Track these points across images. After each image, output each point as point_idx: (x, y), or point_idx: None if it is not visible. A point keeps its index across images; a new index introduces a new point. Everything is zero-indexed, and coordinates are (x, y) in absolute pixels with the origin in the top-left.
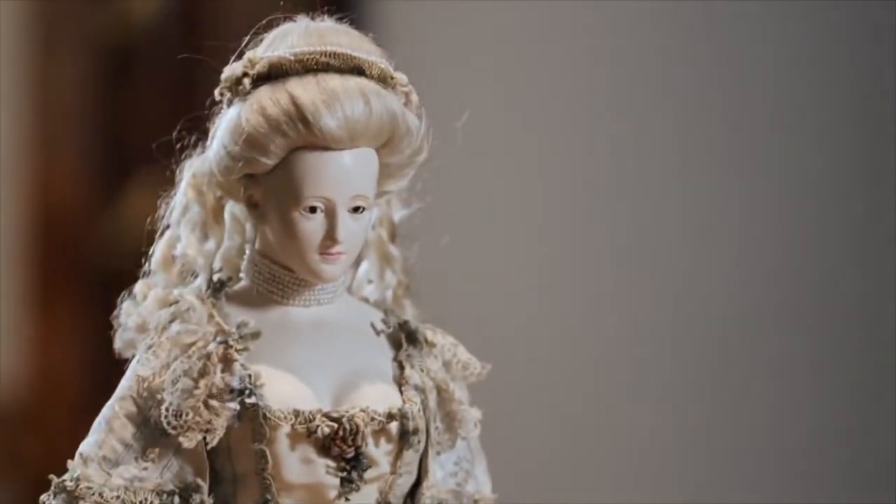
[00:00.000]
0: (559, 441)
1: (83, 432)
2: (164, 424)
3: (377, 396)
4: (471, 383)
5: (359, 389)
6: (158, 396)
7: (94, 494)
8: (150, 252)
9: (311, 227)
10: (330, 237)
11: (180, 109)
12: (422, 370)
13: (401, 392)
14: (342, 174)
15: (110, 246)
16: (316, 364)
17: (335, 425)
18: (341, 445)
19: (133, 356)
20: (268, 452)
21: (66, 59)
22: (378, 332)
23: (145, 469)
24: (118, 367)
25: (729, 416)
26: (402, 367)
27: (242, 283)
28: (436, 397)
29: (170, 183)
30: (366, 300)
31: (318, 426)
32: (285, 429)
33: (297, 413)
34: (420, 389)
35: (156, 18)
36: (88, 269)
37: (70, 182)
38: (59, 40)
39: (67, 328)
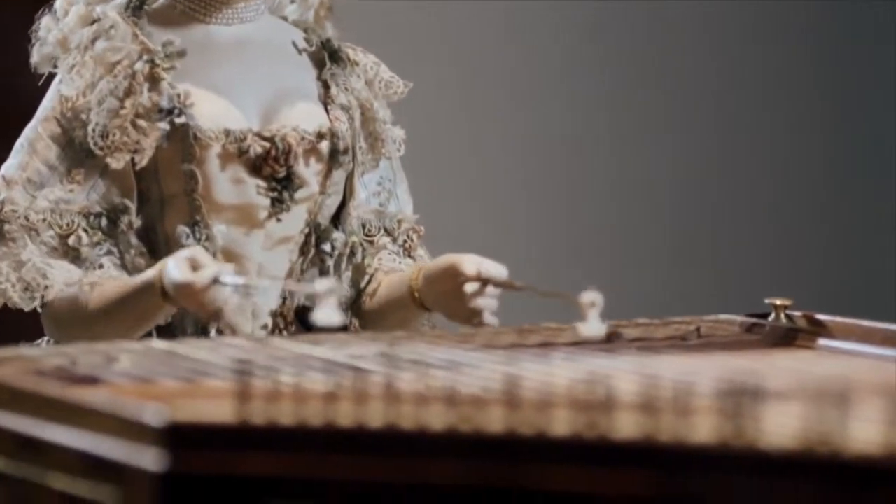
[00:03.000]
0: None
1: None
2: (91, 145)
3: (305, 116)
4: (393, 102)
5: (286, 109)
6: (83, 117)
7: (19, 217)
8: None
9: None
10: None
11: None
12: (346, 89)
13: (327, 111)
14: None
15: None
16: (242, 83)
17: (267, 144)
18: (273, 165)
19: (50, 73)
20: (198, 173)
21: None
22: (300, 51)
23: (71, 191)
24: None
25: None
26: (326, 87)
27: (161, 1)
28: (360, 116)
29: None
30: (285, 19)
31: (249, 146)
32: (216, 149)
33: (227, 132)
34: (346, 109)
35: None
36: None
37: None
38: None
39: None
